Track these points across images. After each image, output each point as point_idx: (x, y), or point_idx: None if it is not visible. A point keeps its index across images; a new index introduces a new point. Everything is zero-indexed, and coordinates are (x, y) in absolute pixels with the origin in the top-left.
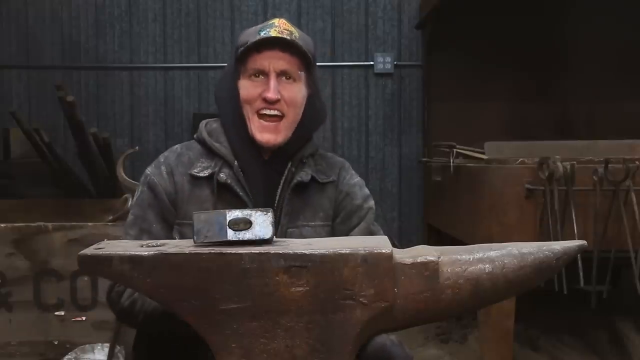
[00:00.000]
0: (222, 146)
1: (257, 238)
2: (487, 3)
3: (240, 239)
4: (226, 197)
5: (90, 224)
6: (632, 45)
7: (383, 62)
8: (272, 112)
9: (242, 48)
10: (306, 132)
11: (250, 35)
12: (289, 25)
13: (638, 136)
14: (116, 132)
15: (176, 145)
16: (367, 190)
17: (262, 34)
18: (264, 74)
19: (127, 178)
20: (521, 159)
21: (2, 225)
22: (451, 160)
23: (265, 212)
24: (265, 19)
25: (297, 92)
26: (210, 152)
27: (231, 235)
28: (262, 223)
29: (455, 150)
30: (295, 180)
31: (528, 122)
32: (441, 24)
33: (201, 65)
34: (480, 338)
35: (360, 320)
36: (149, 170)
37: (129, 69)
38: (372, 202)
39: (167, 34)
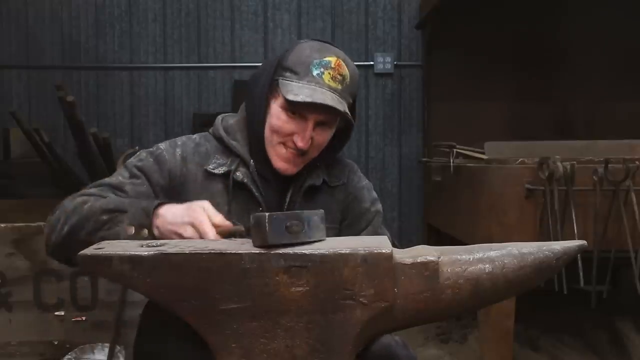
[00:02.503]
0: (239, 145)
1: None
2: (487, 3)
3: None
4: (241, 195)
5: None
6: (632, 45)
7: (383, 62)
8: (297, 151)
9: (287, 82)
10: (320, 158)
11: (302, 64)
12: (344, 67)
13: (638, 136)
14: (116, 132)
15: (194, 135)
16: (374, 194)
17: (315, 73)
18: (303, 117)
19: None
20: (521, 159)
21: (2, 225)
22: (451, 160)
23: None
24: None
25: (327, 137)
26: (226, 149)
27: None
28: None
29: (455, 150)
30: (307, 184)
31: (528, 122)
32: (441, 24)
33: (201, 65)
34: (480, 338)
35: (360, 320)
36: (162, 145)
37: (129, 69)
38: (379, 206)
39: (167, 34)
